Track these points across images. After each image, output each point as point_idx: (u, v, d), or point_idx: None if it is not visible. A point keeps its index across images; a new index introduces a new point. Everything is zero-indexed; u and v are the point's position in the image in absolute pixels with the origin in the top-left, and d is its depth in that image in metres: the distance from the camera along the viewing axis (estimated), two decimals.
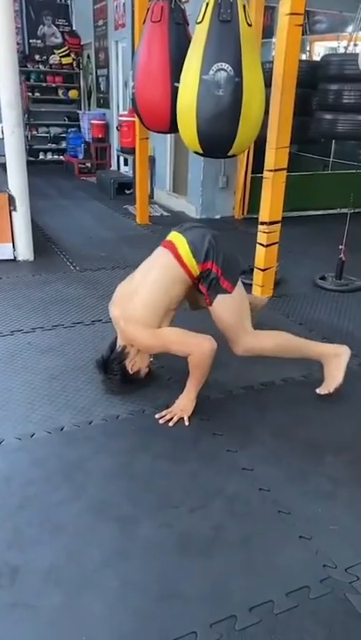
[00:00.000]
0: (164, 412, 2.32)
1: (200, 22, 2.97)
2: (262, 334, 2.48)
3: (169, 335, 2.31)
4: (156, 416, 2.31)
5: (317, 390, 2.48)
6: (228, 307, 2.36)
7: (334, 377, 2.45)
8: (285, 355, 2.49)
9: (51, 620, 1.44)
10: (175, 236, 2.37)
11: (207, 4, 2.93)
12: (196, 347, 2.25)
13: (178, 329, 2.33)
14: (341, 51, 5.62)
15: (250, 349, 2.43)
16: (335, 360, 2.47)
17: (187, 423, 2.26)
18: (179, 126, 3.28)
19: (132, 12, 5.83)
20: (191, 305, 2.63)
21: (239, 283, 2.39)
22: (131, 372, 2.42)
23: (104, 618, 1.45)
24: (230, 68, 2.89)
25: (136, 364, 2.43)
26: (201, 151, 3.26)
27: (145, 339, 2.32)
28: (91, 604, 1.48)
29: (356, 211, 3.85)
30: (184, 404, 2.32)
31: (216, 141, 3.15)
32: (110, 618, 1.45)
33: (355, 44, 4.10)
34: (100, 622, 1.44)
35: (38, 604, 1.48)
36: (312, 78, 4.17)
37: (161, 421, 2.28)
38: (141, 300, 2.29)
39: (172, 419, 2.28)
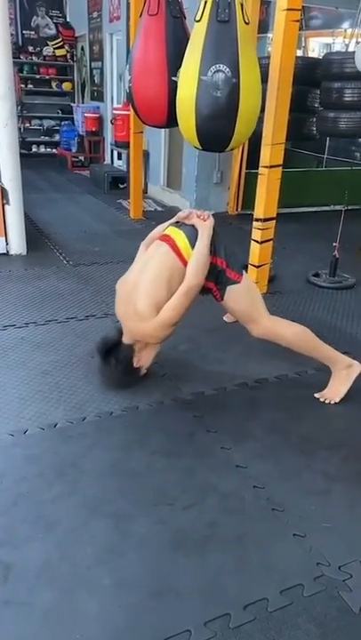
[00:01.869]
0: None
1: (199, 21, 2.98)
2: (281, 320, 2.48)
3: (163, 314, 2.20)
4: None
5: (316, 395, 2.48)
6: (240, 295, 2.35)
7: (338, 390, 2.45)
8: (300, 348, 2.47)
9: (44, 617, 1.44)
10: (173, 231, 2.36)
11: (205, 3, 2.93)
12: (184, 292, 2.19)
13: (167, 304, 2.21)
14: (337, 47, 5.63)
15: (267, 333, 2.41)
16: (345, 372, 2.46)
17: None
18: (178, 122, 3.34)
19: (127, 4, 5.78)
20: None
21: (244, 271, 2.39)
22: (135, 366, 2.40)
23: (98, 615, 1.45)
24: (228, 69, 2.94)
25: (142, 359, 2.42)
26: (200, 146, 3.33)
27: (150, 331, 2.26)
28: (84, 602, 1.48)
29: (350, 208, 3.85)
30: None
31: (214, 138, 3.22)
32: (104, 615, 1.45)
33: (357, 42, 4.09)
34: (93, 619, 1.43)
35: (32, 601, 1.48)
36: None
37: None
38: (142, 292, 2.24)
39: None
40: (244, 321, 2.43)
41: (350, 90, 3.75)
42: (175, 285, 2.22)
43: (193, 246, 2.26)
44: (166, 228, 2.42)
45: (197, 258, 2.23)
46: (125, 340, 2.40)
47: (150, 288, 2.23)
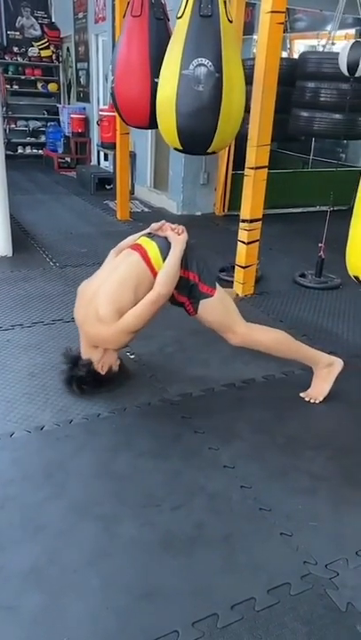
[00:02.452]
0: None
1: (180, 17, 2.94)
2: (257, 327, 2.49)
3: (126, 320, 2.19)
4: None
5: (302, 394, 2.50)
6: (214, 308, 2.36)
7: (322, 389, 2.48)
8: (280, 352, 2.49)
9: (32, 620, 1.43)
10: (145, 241, 2.36)
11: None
12: (151, 301, 2.19)
13: (131, 310, 2.21)
14: (321, 49, 5.68)
15: (244, 340, 2.41)
16: (326, 370, 2.48)
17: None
18: (158, 121, 3.25)
19: (113, 5, 5.78)
20: None
21: (217, 283, 2.40)
22: (103, 373, 2.37)
23: (86, 617, 1.45)
24: (210, 63, 2.87)
25: (106, 363, 2.37)
26: (180, 147, 3.23)
27: (110, 336, 2.24)
28: (72, 604, 1.48)
29: (336, 209, 3.88)
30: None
31: (195, 137, 3.12)
32: (92, 617, 1.45)
33: (333, 43, 4.14)
34: (81, 622, 1.43)
35: (19, 604, 1.47)
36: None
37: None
38: (105, 297, 2.21)
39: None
40: (220, 331, 2.43)
41: (325, 90, 3.77)
42: (142, 294, 2.22)
43: (164, 258, 2.26)
44: (138, 238, 2.43)
45: (168, 269, 2.24)
46: (83, 351, 2.37)
47: (115, 293, 2.22)
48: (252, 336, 2.42)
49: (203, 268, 2.34)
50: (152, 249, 2.30)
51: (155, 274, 2.25)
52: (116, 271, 2.31)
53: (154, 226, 2.41)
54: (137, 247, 2.35)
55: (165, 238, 2.33)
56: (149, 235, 2.40)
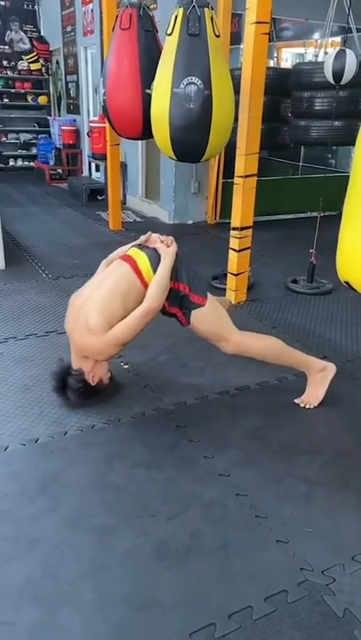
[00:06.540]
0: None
1: (170, 34, 3.02)
2: (250, 334, 2.50)
3: (116, 332, 2.19)
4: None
5: (296, 400, 2.50)
6: (206, 317, 2.37)
7: (316, 394, 2.48)
8: (273, 359, 2.50)
9: (28, 636, 1.42)
10: (135, 252, 2.37)
11: (176, 17, 2.97)
12: (142, 314, 2.19)
13: (122, 322, 2.20)
14: (309, 57, 5.75)
15: (238, 348, 2.42)
16: (320, 375, 2.49)
17: None
18: (154, 134, 3.36)
19: (101, 18, 5.83)
20: None
21: (208, 292, 2.41)
22: (93, 384, 2.36)
23: (82, 631, 1.44)
24: (200, 81, 2.98)
25: (96, 374, 2.36)
26: (175, 157, 3.36)
27: (99, 347, 2.23)
28: (68, 618, 1.47)
29: (326, 214, 3.90)
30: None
31: (188, 149, 3.25)
32: (88, 631, 1.44)
33: (325, 52, 4.20)
34: (77, 636, 1.42)
35: (15, 620, 1.46)
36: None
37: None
38: (95, 307, 2.21)
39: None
40: (213, 340, 2.44)
41: (320, 99, 3.84)
42: (131, 304, 2.22)
43: (154, 269, 2.27)
44: (128, 249, 2.44)
45: (159, 281, 2.24)
46: (73, 361, 2.36)
47: (104, 304, 2.22)
48: (245, 344, 2.43)
49: (193, 279, 2.35)
50: (142, 260, 2.31)
51: (145, 285, 2.26)
52: (105, 282, 2.31)
53: (142, 238, 2.42)
54: (127, 258, 2.36)
55: (155, 250, 2.35)
56: (139, 246, 2.41)
